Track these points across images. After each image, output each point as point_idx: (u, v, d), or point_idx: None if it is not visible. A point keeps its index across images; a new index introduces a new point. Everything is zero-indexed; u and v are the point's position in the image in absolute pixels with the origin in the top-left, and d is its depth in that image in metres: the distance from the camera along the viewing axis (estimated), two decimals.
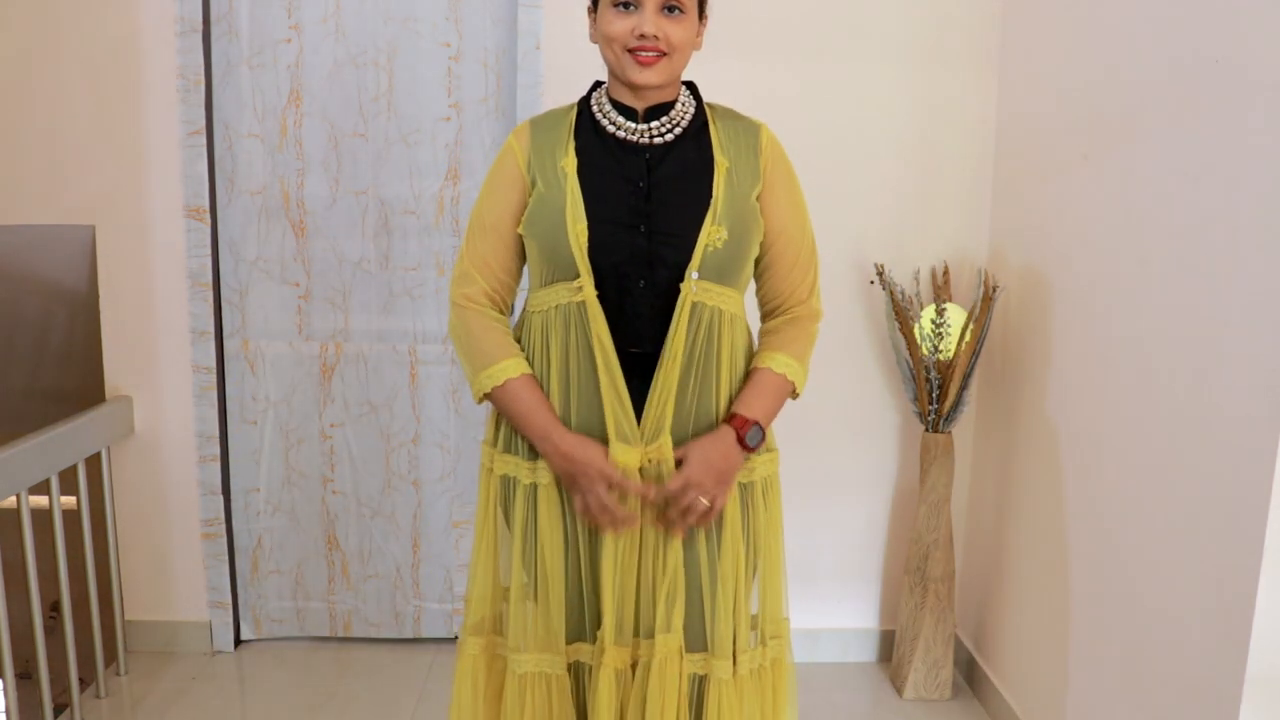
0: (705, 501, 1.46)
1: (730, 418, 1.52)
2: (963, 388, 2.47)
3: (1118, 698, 1.89)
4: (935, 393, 2.47)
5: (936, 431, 2.52)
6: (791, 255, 1.59)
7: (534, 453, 1.54)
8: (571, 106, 1.60)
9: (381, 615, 2.83)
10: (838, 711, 2.55)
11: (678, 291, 1.49)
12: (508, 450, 1.57)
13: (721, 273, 1.51)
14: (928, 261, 2.61)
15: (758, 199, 1.56)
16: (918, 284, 2.59)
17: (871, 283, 2.59)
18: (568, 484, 1.50)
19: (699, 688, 1.55)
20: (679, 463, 1.49)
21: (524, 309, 1.60)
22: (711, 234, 1.49)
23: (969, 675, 2.67)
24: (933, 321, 2.42)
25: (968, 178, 2.59)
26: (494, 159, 1.82)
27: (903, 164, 2.58)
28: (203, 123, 2.54)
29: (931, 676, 2.58)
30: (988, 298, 2.42)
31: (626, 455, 1.48)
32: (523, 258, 1.59)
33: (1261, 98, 1.50)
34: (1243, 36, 1.55)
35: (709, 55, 2.49)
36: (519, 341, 1.58)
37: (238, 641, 2.83)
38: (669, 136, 1.53)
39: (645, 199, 1.50)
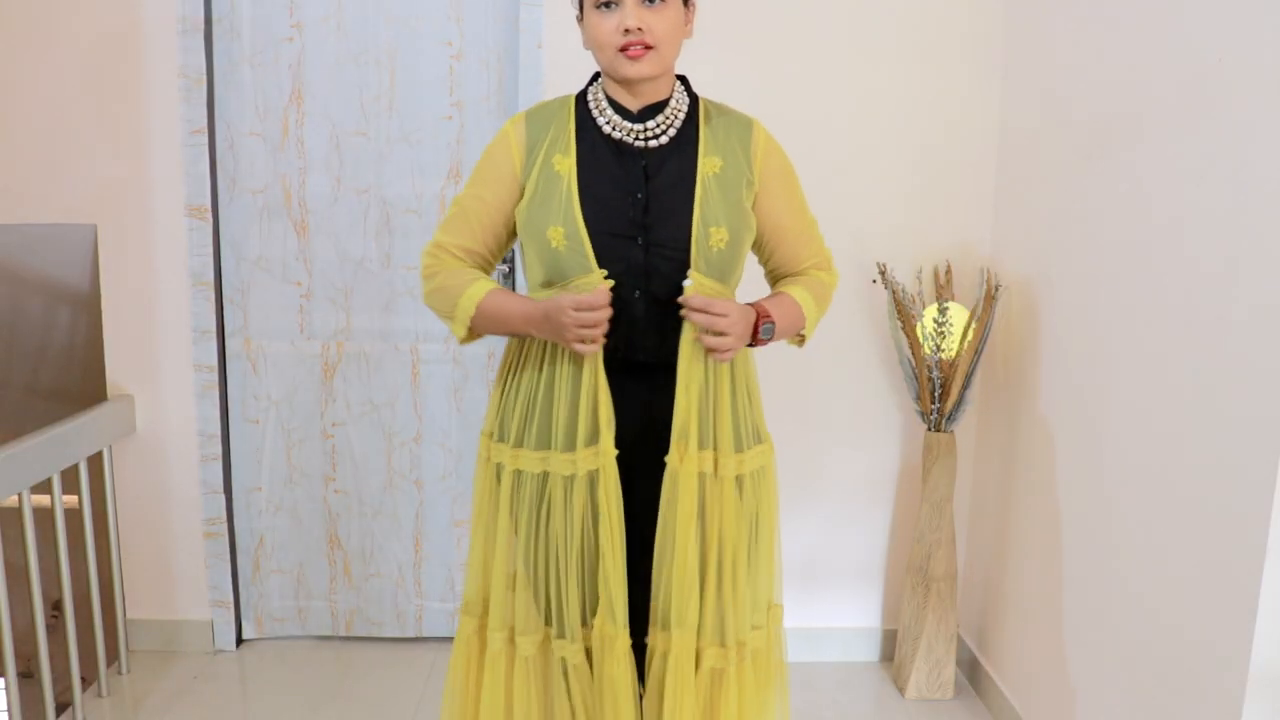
0: (729, 340, 1.46)
1: (756, 305, 1.55)
2: (965, 387, 2.46)
3: (1120, 697, 1.88)
4: (937, 392, 2.46)
5: (939, 431, 2.51)
6: (798, 238, 1.66)
7: (544, 439, 1.55)
8: (567, 100, 1.59)
9: (383, 614, 2.84)
10: (840, 711, 2.55)
11: (673, 300, 1.49)
12: (501, 440, 1.60)
13: (723, 272, 1.54)
14: (930, 260, 2.61)
15: (752, 205, 1.58)
16: (920, 283, 2.59)
17: (874, 282, 2.59)
18: (555, 335, 1.48)
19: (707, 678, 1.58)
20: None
21: None
22: (714, 236, 1.50)
23: (971, 675, 2.67)
24: (935, 320, 2.42)
25: (970, 177, 2.59)
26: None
27: (905, 163, 2.58)
28: (204, 121, 2.54)
29: (934, 676, 2.57)
30: (990, 297, 2.41)
31: (608, 441, 1.50)
32: (499, 247, 1.62)
33: (1264, 97, 1.49)
34: (1246, 36, 1.54)
35: (712, 55, 2.50)
36: (515, 363, 1.60)
37: (239, 640, 2.83)
38: (664, 138, 1.54)
39: (644, 211, 1.51)
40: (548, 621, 1.59)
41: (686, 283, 1.48)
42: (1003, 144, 2.54)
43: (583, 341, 1.45)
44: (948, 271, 2.58)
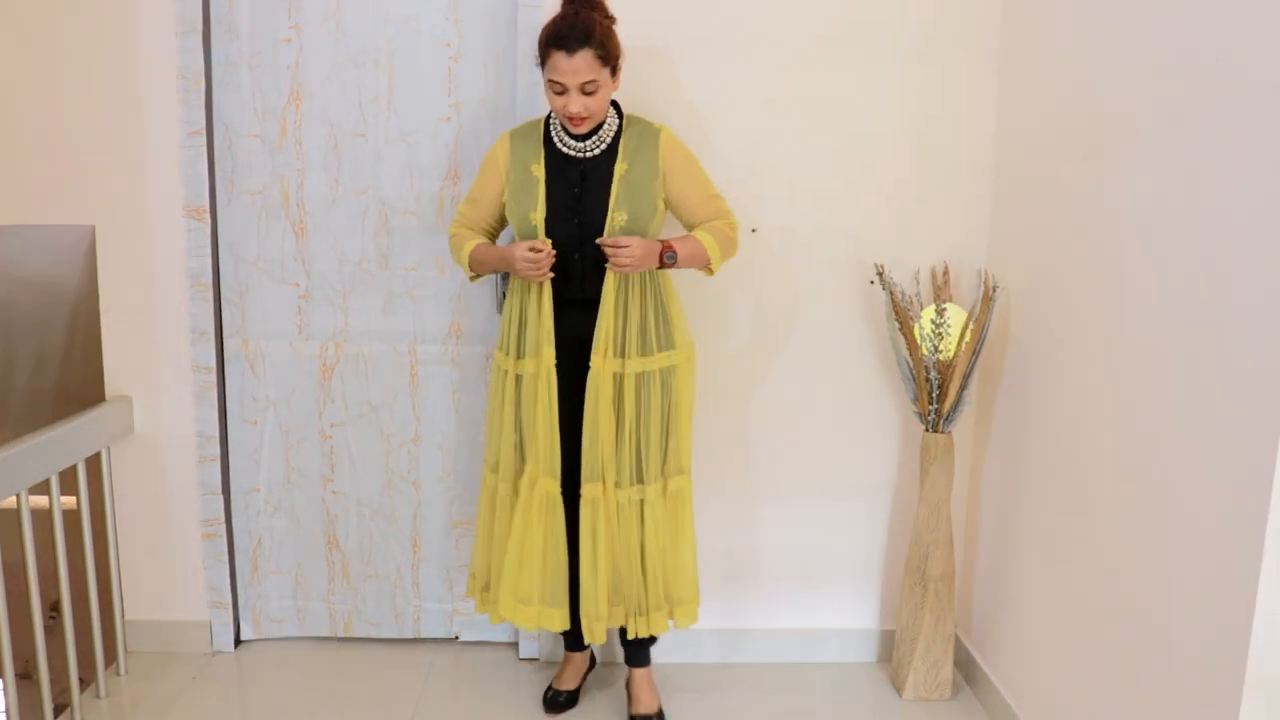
0: (626, 261, 2.13)
1: (663, 241, 2.21)
2: (963, 388, 2.47)
3: (1117, 698, 1.89)
4: (935, 393, 2.47)
5: (936, 431, 2.52)
6: (697, 204, 2.28)
7: (516, 350, 2.27)
8: (539, 122, 2.28)
9: (381, 615, 2.84)
10: (838, 711, 2.55)
11: (599, 258, 2.19)
12: (505, 352, 2.30)
13: (630, 236, 2.18)
14: (928, 261, 2.61)
15: (659, 189, 2.23)
16: (918, 284, 2.59)
17: (871, 283, 2.60)
18: (512, 269, 2.20)
19: (632, 509, 2.29)
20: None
21: None
22: (615, 217, 2.19)
23: (969, 675, 2.67)
24: (933, 321, 2.43)
25: (968, 178, 2.59)
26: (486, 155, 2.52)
27: (903, 164, 2.58)
28: (203, 123, 2.54)
29: (931, 676, 2.58)
30: (987, 298, 2.42)
31: (547, 353, 2.22)
32: (497, 220, 2.36)
33: (1262, 98, 1.50)
34: (1243, 36, 1.55)
35: (711, 56, 2.50)
36: (513, 290, 2.30)
37: (238, 641, 2.83)
38: (597, 152, 2.22)
39: (578, 200, 2.21)
40: (517, 472, 2.33)
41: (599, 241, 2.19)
42: (999, 145, 2.55)
43: (529, 275, 2.18)
44: (945, 272, 2.58)
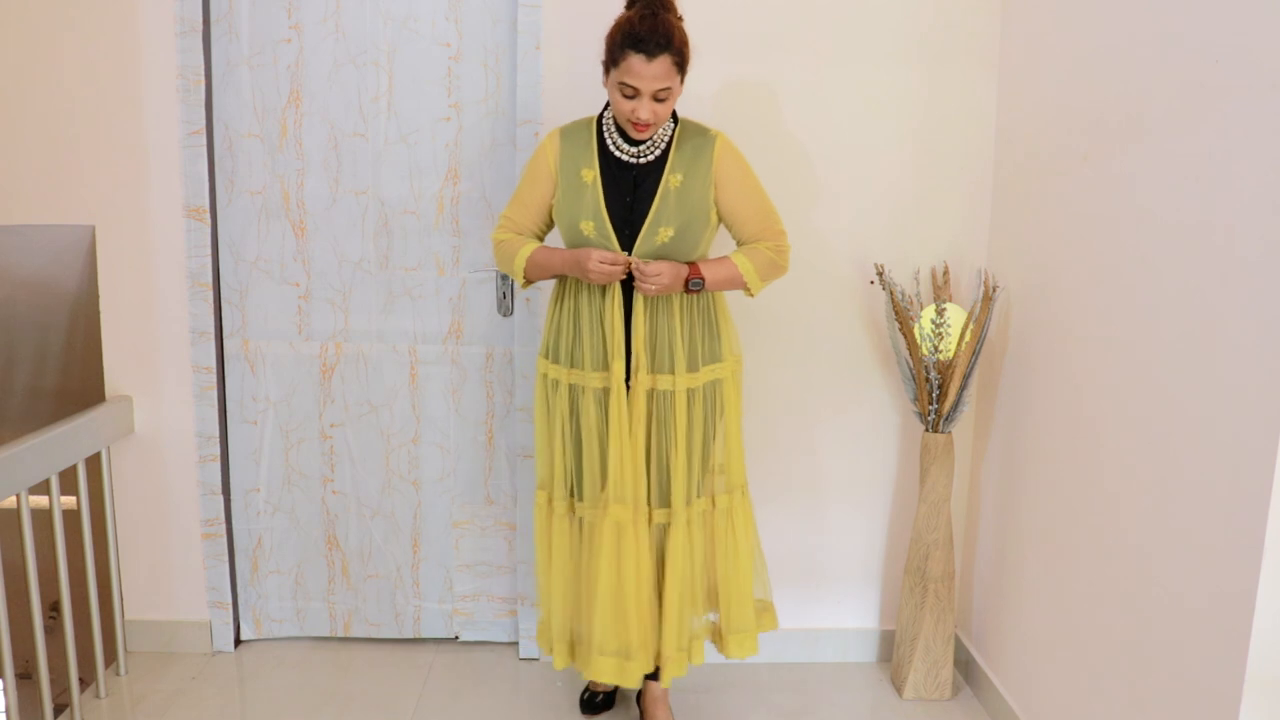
0: (651, 286, 2.04)
1: (691, 265, 2.10)
2: (962, 388, 2.47)
3: (1117, 698, 1.89)
4: (935, 393, 2.47)
5: (936, 431, 2.52)
6: (751, 219, 2.14)
7: (568, 360, 2.15)
8: (591, 122, 2.14)
9: (381, 615, 2.84)
10: (838, 711, 2.55)
11: None
12: (551, 360, 2.19)
13: (672, 256, 2.09)
14: (928, 261, 2.61)
15: (714, 200, 2.11)
16: (918, 284, 2.59)
17: (871, 283, 2.60)
18: (581, 273, 2.06)
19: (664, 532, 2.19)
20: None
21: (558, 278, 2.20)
22: (661, 233, 2.07)
23: (969, 675, 2.67)
24: (933, 321, 2.43)
25: (968, 178, 2.59)
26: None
27: (903, 164, 2.58)
28: (203, 123, 2.54)
29: (931, 676, 2.58)
30: (988, 298, 2.42)
31: (618, 367, 2.11)
32: (546, 224, 2.22)
33: (1263, 98, 1.50)
34: (1243, 36, 1.55)
35: (710, 56, 2.50)
36: (559, 296, 2.19)
37: (238, 641, 2.83)
38: (651, 156, 2.10)
39: (630, 210, 2.10)
40: (573, 492, 2.22)
41: (633, 259, 2.09)
42: (1000, 144, 2.55)
43: (600, 279, 2.06)
44: (945, 272, 2.58)
